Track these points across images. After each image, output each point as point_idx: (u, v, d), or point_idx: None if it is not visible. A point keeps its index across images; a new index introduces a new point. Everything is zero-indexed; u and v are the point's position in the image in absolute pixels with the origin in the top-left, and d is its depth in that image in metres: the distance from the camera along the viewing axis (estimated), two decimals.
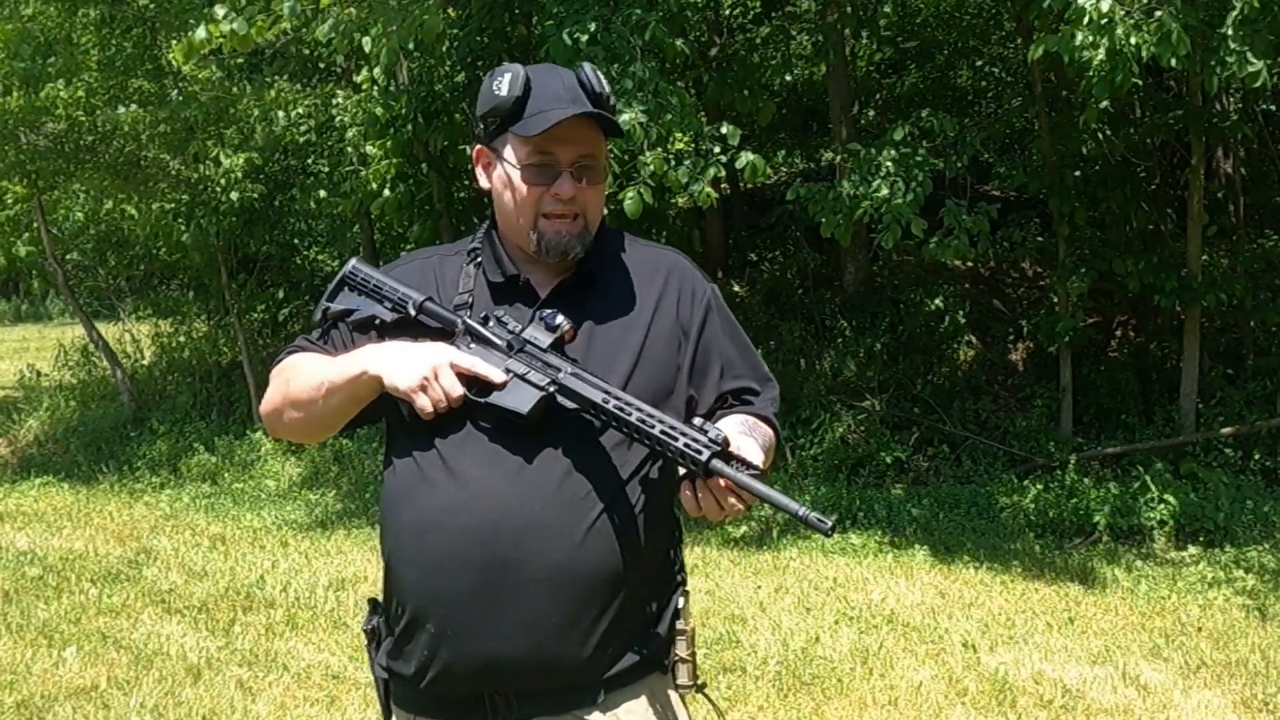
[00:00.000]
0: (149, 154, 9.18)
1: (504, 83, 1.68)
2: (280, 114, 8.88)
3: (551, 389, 1.61)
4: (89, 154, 8.99)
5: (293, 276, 10.44)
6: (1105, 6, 5.01)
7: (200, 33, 5.72)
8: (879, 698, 4.20)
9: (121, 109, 8.29)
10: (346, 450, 8.50)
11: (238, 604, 5.52)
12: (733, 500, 1.52)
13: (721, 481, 1.51)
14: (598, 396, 1.58)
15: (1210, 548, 6.07)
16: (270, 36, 8.64)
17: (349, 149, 8.40)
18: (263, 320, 10.38)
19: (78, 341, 11.61)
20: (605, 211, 1.84)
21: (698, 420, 1.55)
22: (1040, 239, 8.34)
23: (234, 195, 8.72)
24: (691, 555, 5.94)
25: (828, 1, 8.02)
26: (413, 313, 1.72)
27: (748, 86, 7.79)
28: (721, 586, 5.61)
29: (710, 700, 1.76)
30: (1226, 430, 7.02)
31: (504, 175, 1.72)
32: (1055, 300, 7.70)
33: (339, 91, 8.96)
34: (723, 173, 6.06)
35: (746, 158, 5.99)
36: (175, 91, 8.68)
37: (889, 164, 6.30)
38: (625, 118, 5.47)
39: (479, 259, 1.78)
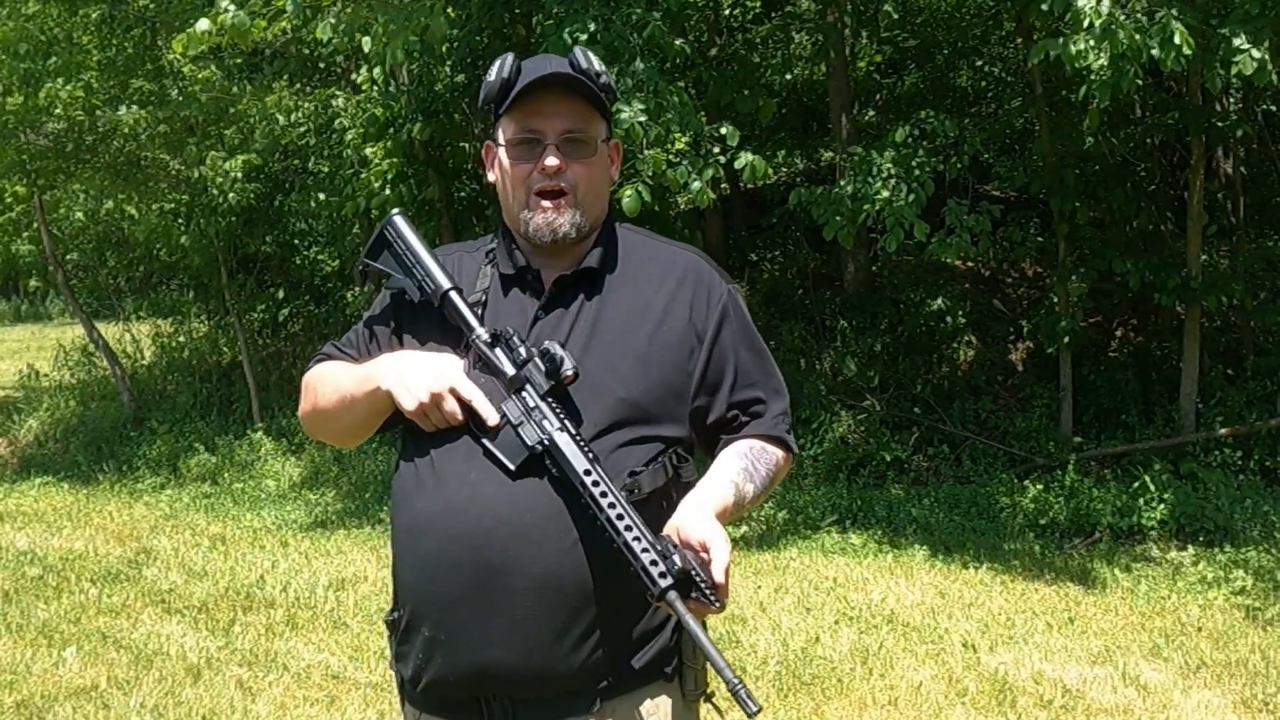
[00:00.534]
0: (149, 154, 9.18)
1: (495, 69, 1.70)
2: (280, 116, 8.88)
3: (539, 449, 1.60)
4: (89, 154, 8.99)
5: (293, 276, 10.44)
6: (1105, 9, 5.01)
7: (202, 24, 5.71)
8: (879, 698, 4.20)
9: (123, 110, 8.29)
10: (346, 450, 8.49)
11: (238, 604, 5.51)
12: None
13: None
14: (579, 474, 1.56)
15: (1210, 548, 6.07)
16: (270, 36, 8.65)
17: (348, 150, 8.39)
18: (262, 320, 10.38)
19: (78, 341, 11.62)
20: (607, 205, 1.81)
21: (666, 540, 1.52)
22: (1040, 239, 8.34)
23: (231, 196, 8.72)
24: None
25: (828, 1, 8.02)
26: (436, 303, 1.73)
27: (748, 86, 7.79)
28: None
29: (716, 709, 1.73)
30: (1226, 430, 7.02)
31: (500, 161, 1.73)
32: (1055, 300, 7.70)
33: (339, 93, 8.96)
34: (721, 173, 6.06)
35: (746, 158, 5.99)
36: (175, 91, 8.68)
37: (889, 166, 6.30)
38: (624, 116, 5.48)
39: (494, 256, 1.78)
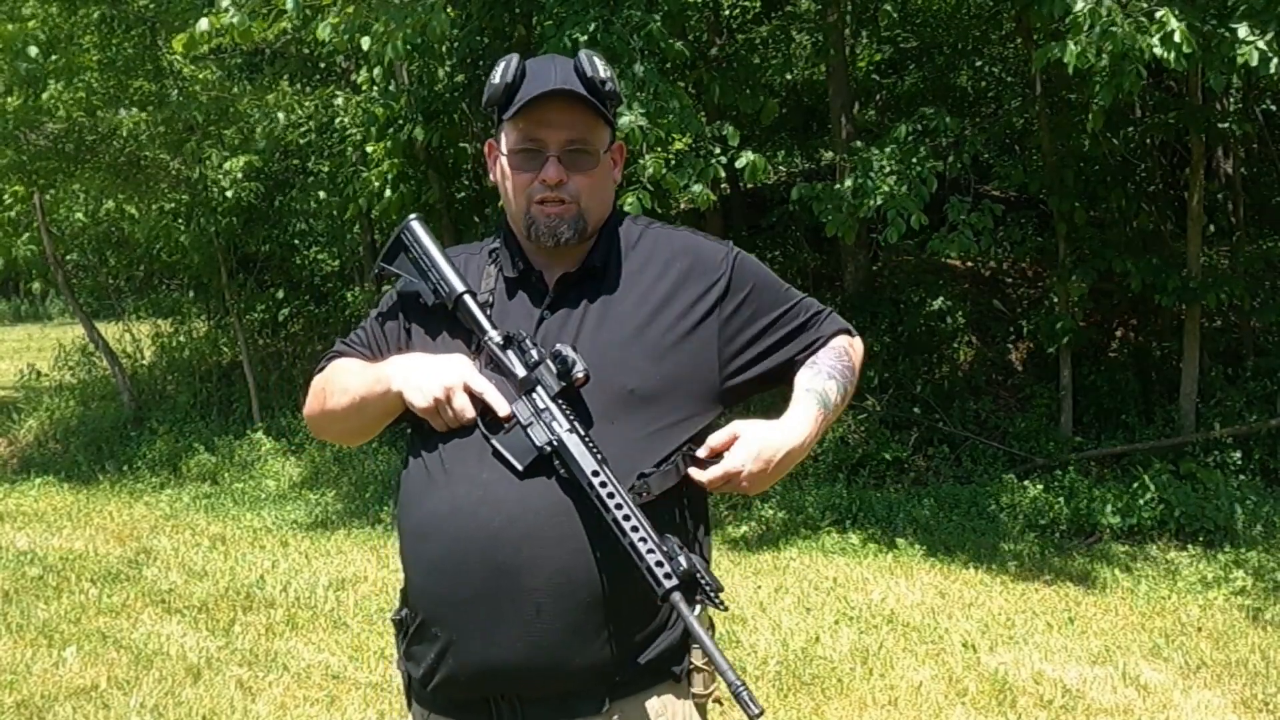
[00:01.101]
0: (149, 154, 9.18)
1: (499, 71, 1.68)
2: (280, 115, 8.88)
3: (548, 449, 1.60)
4: (89, 154, 8.99)
5: (293, 276, 10.45)
6: (1105, 10, 5.02)
7: (203, 24, 5.71)
8: (879, 698, 4.20)
9: (123, 112, 8.28)
10: (346, 450, 8.49)
11: (238, 604, 5.52)
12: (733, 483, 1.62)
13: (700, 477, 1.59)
14: (586, 475, 1.57)
15: (1210, 548, 6.07)
16: (270, 36, 8.65)
17: (348, 150, 8.39)
18: (262, 320, 10.39)
19: (78, 341, 11.61)
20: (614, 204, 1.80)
21: (672, 541, 1.55)
22: (1040, 239, 8.34)
23: (229, 194, 8.72)
24: None
25: (828, 1, 8.02)
26: (450, 306, 1.73)
27: (749, 86, 7.79)
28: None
29: (718, 701, 1.73)
30: (1226, 430, 7.02)
31: (502, 165, 1.73)
32: (1055, 300, 7.70)
33: (339, 93, 8.96)
34: (722, 173, 6.06)
35: (747, 157, 5.98)
36: (175, 92, 8.68)
37: (890, 162, 6.30)
38: (624, 120, 5.47)
39: (497, 257, 1.78)
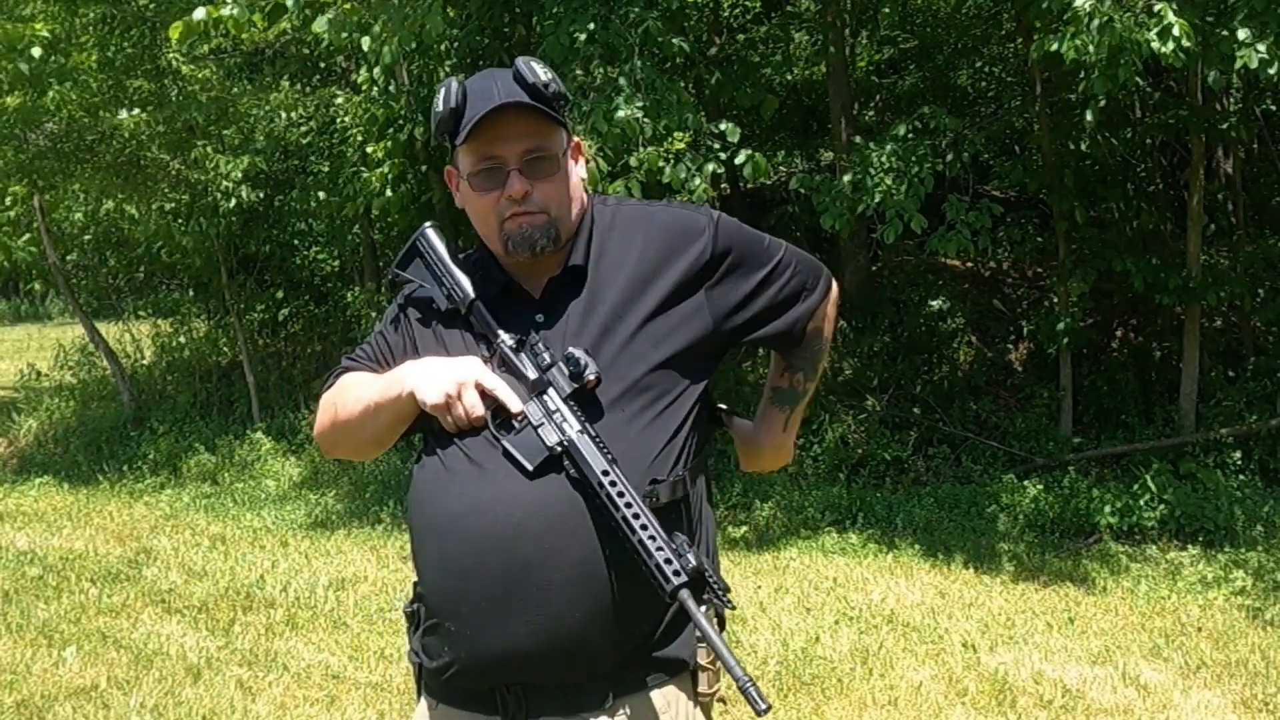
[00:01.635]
0: (149, 154, 9.17)
1: (440, 99, 1.68)
2: (281, 114, 8.87)
3: (558, 450, 1.61)
4: (89, 154, 8.98)
5: (293, 276, 10.44)
6: (1106, 6, 5.02)
7: (199, 13, 5.67)
8: (879, 698, 4.20)
9: (124, 113, 8.28)
10: None
11: (238, 604, 5.52)
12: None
13: None
14: (597, 475, 1.57)
15: (1210, 548, 6.07)
16: (271, 36, 8.64)
17: (349, 151, 8.39)
18: (262, 320, 10.38)
19: (78, 341, 11.61)
20: (586, 198, 1.79)
21: (681, 539, 1.57)
22: (1040, 239, 8.34)
23: (233, 202, 8.72)
24: None
25: (828, 1, 8.02)
26: (463, 311, 1.73)
27: (749, 84, 7.79)
28: None
29: (722, 700, 1.74)
30: (1226, 430, 7.02)
31: (465, 189, 1.73)
32: (1055, 300, 7.70)
33: (339, 93, 8.96)
34: (721, 168, 6.05)
35: (748, 154, 5.97)
36: (175, 91, 8.67)
37: (889, 160, 6.29)
38: (622, 114, 5.47)
39: (480, 271, 1.77)
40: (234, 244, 9.75)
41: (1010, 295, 9.03)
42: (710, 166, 5.84)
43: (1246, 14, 5.12)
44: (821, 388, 7.90)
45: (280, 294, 10.25)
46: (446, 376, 1.65)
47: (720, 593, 1.55)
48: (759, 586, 5.61)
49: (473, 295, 1.72)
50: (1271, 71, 5.12)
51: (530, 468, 1.61)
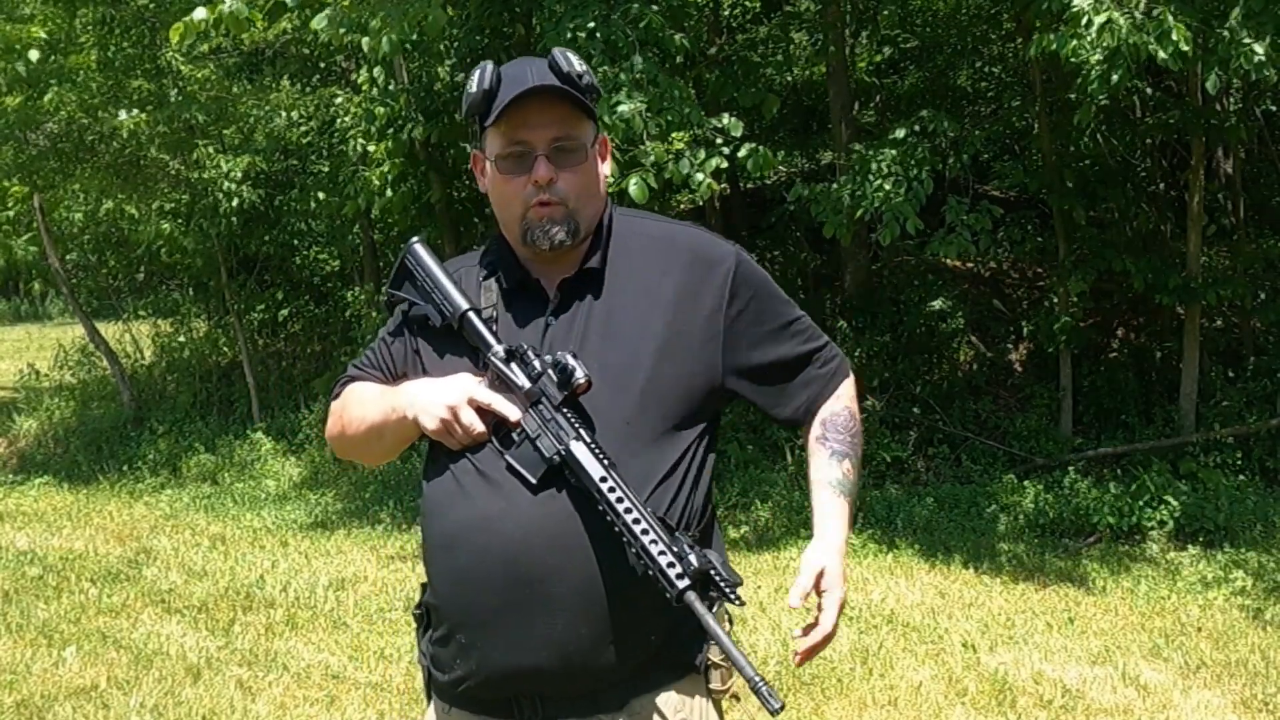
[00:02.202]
0: (149, 154, 9.17)
1: (475, 80, 1.67)
2: (283, 112, 8.87)
3: (556, 460, 1.60)
4: (89, 154, 8.98)
5: (293, 277, 10.45)
6: (1105, 5, 5.02)
7: (199, 12, 5.66)
8: (879, 698, 4.20)
9: (124, 114, 8.27)
10: None
11: (238, 604, 5.52)
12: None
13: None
14: (595, 480, 1.56)
15: (1210, 548, 6.06)
16: (271, 36, 8.64)
17: (349, 150, 8.39)
18: (262, 320, 10.39)
19: (78, 341, 11.61)
20: (608, 200, 1.78)
21: (683, 540, 1.55)
22: (1040, 239, 8.34)
23: (235, 202, 8.72)
24: None
25: (828, 1, 8.02)
26: (455, 325, 1.72)
27: (751, 83, 7.79)
28: None
29: (735, 697, 1.74)
30: (1226, 430, 7.02)
31: (490, 173, 1.72)
32: (1055, 300, 7.70)
33: (339, 92, 8.96)
34: (724, 163, 6.04)
35: (750, 148, 5.95)
36: (175, 91, 8.67)
37: (889, 164, 6.29)
38: (624, 108, 5.46)
39: (495, 269, 1.76)
40: (234, 244, 9.76)
41: (1010, 295, 9.03)
42: (714, 161, 5.80)
43: (1244, 14, 5.12)
44: None
45: (280, 294, 10.25)
46: (438, 401, 1.65)
47: (729, 590, 1.55)
48: (759, 586, 5.61)
49: (464, 308, 1.71)
50: (1268, 73, 5.12)
51: (534, 481, 1.60)
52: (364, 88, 8.11)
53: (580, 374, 1.59)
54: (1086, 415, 7.65)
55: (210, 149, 8.94)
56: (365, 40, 6.00)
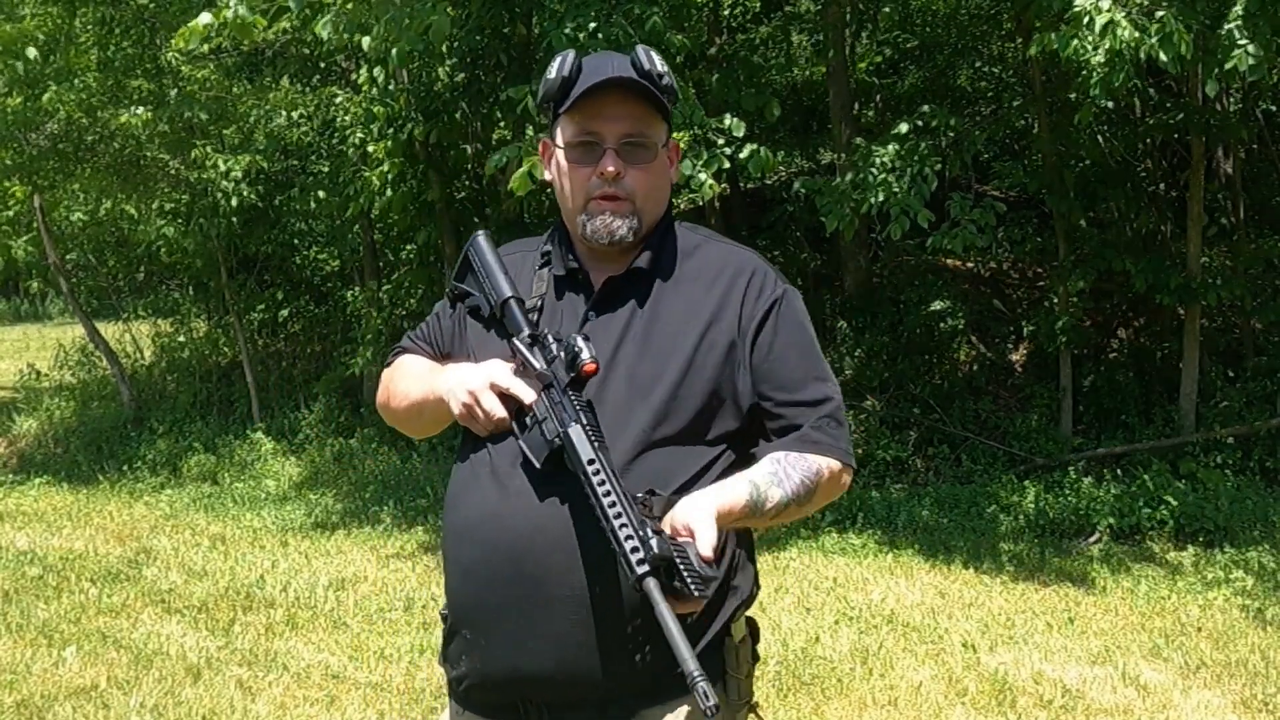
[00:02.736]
0: (149, 154, 9.17)
1: (555, 66, 1.67)
2: (281, 113, 8.86)
3: (557, 443, 1.59)
4: (89, 154, 8.98)
5: (293, 277, 10.45)
6: (1106, 5, 5.02)
7: (204, 18, 5.67)
8: (879, 698, 4.20)
9: (124, 114, 8.28)
10: (346, 450, 8.50)
11: (238, 604, 5.52)
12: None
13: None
14: (583, 462, 1.52)
15: (1210, 548, 6.07)
16: (271, 36, 8.63)
17: (350, 150, 8.39)
18: (262, 320, 10.39)
19: (78, 341, 11.61)
20: (670, 205, 1.78)
21: (650, 526, 1.47)
22: (1040, 239, 8.34)
23: (234, 201, 8.72)
24: None
25: (828, 1, 8.02)
26: (498, 313, 1.73)
27: (752, 85, 7.78)
28: None
29: (759, 718, 1.70)
30: (1226, 430, 7.02)
31: (557, 161, 1.71)
32: (1055, 300, 7.70)
33: (339, 92, 8.96)
34: (726, 164, 6.04)
35: (752, 149, 5.95)
36: (175, 91, 8.67)
37: (891, 159, 6.29)
38: None
39: (550, 257, 1.76)
40: (234, 244, 9.76)
41: (1010, 295, 9.03)
42: (716, 163, 5.79)
43: (1243, 14, 5.12)
44: None
45: (280, 294, 10.25)
46: (463, 386, 1.67)
47: (692, 583, 1.42)
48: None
49: (506, 295, 1.72)
50: (1260, 74, 5.13)
51: (538, 464, 1.60)
52: (364, 87, 8.11)
53: (586, 355, 1.58)
54: (1086, 415, 7.65)
55: (210, 149, 8.94)
56: (366, 40, 6.00)
